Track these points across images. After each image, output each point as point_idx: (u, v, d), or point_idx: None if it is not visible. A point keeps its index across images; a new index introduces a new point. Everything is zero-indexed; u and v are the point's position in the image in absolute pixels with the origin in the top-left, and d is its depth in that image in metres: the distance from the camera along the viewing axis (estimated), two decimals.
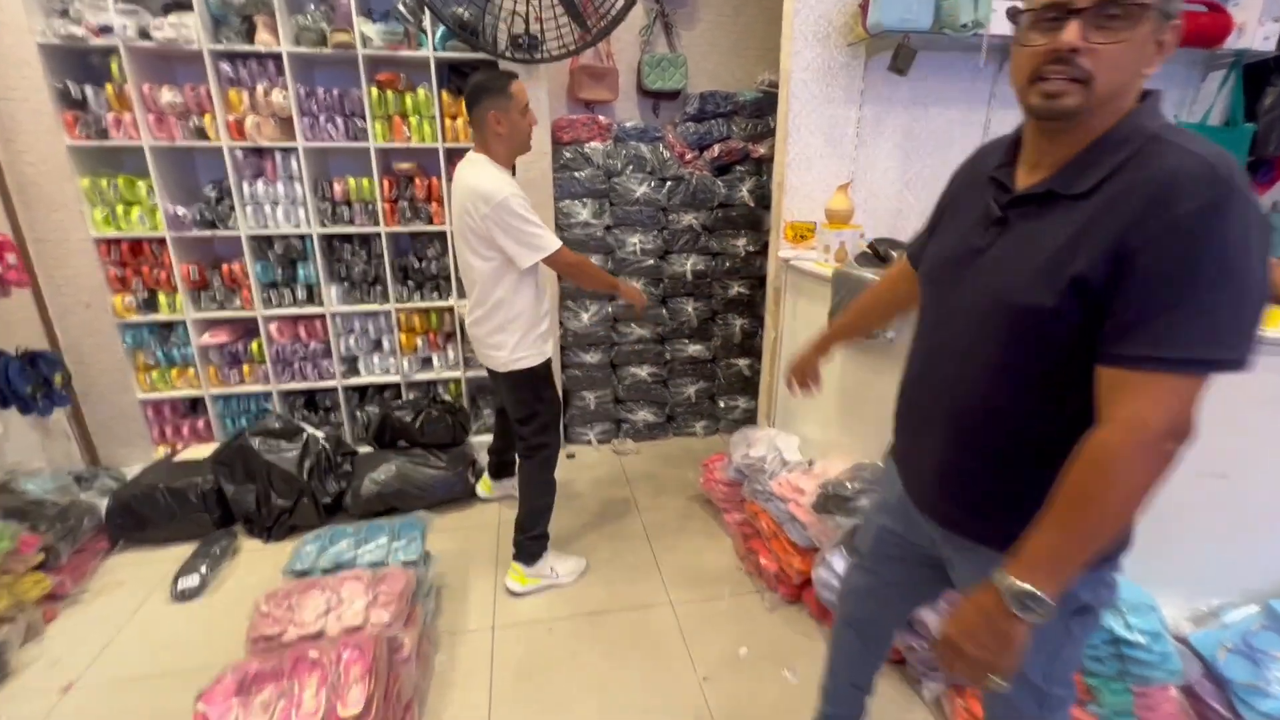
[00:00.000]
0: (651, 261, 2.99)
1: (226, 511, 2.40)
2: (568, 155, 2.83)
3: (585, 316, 2.98)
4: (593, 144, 2.85)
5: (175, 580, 2.08)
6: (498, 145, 1.80)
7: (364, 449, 2.80)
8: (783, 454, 2.20)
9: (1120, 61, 0.70)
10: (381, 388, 2.97)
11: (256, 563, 2.25)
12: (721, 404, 3.31)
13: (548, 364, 2.00)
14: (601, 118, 2.86)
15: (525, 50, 2.43)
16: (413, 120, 2.59)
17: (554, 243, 1.79)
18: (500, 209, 1.70)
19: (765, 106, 3.02)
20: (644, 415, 3.20)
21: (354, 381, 2.85)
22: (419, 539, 1.94)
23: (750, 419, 3.32)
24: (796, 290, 2.33)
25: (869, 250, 2.01)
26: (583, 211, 2.85)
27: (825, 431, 2.21)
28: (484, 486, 2.63)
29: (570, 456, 3.06)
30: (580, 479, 2.86)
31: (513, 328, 1.88)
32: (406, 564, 1.83)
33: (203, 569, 2.12)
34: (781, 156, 2.34)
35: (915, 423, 1.00)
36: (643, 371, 3.15)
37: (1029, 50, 0.74)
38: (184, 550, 2.25)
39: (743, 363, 3.27)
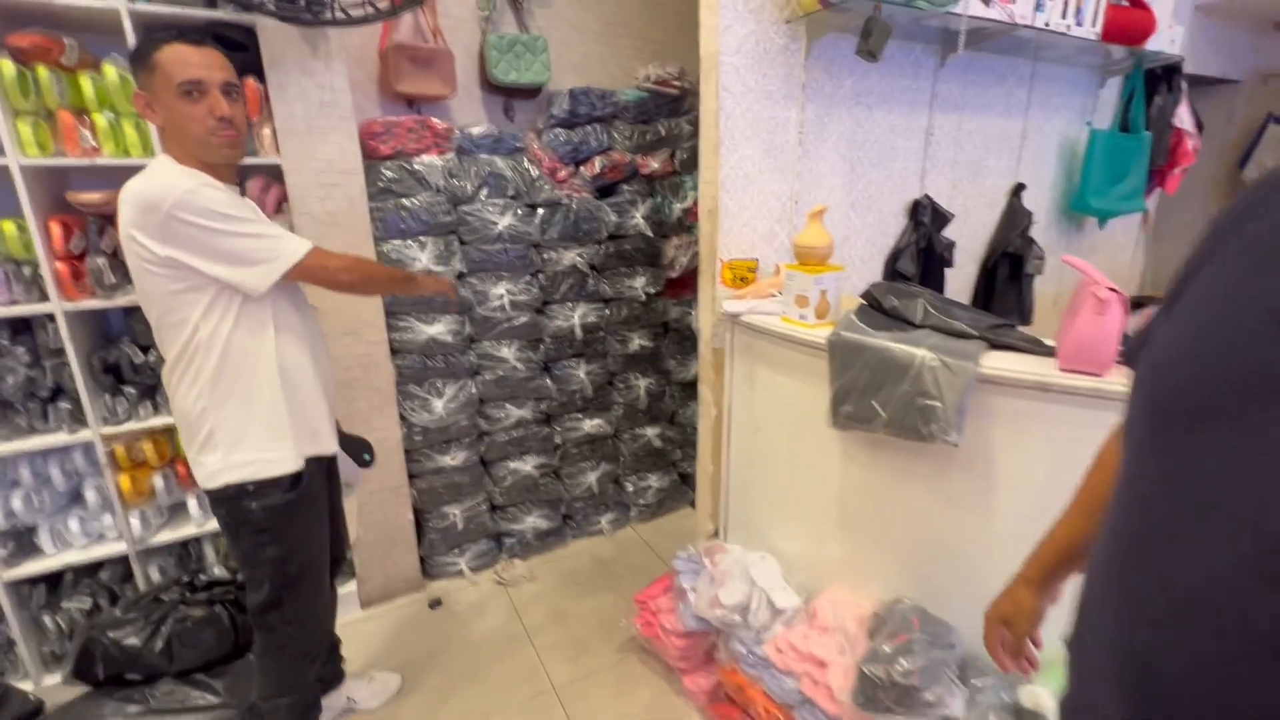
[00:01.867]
0: (526, 318, 2.17)
1: None
2: (389, 175, 1.91)
3: (439, 404, 2.07)
4: (426, 158, 1.97)
5: None
6: (170, 144, 1.18)
7: (57, 682, 1.61)
8: (770, 597, 1.53)
9: None
10: (93, 568, 1.77)
11: None
12: (630, 487, 2.58)
13: (295, 482, 1.25)
14: (435, 120, 1.99)
15: (303, 6, 1.50)
16: (99, 119, 1.50)
17: (298, 245, 1.19)
18: (177, 210, 1.07)
19: (651, 109, 2.37)
20: (533, 522, 2.36)
21: (27, 570, 1.63)
22: None
23: (665, 501, 2.63)
24: (751, 355, 1.68)
25: (868, 303, 1.44)
26: (421, 255, 1.96)
27: (816, 546, 1.58)
28: None
29: (435, 605, 2.12)
30: (454, 643, 1.94)
31: (232, 413, 1.19)
32: None
33: None
34: (713, 173, 1.68)
35: (1148, 679, 0.45)
36: (526, 465, 2.31)
37: None
38: None
39: (651, 432, 2.58)
